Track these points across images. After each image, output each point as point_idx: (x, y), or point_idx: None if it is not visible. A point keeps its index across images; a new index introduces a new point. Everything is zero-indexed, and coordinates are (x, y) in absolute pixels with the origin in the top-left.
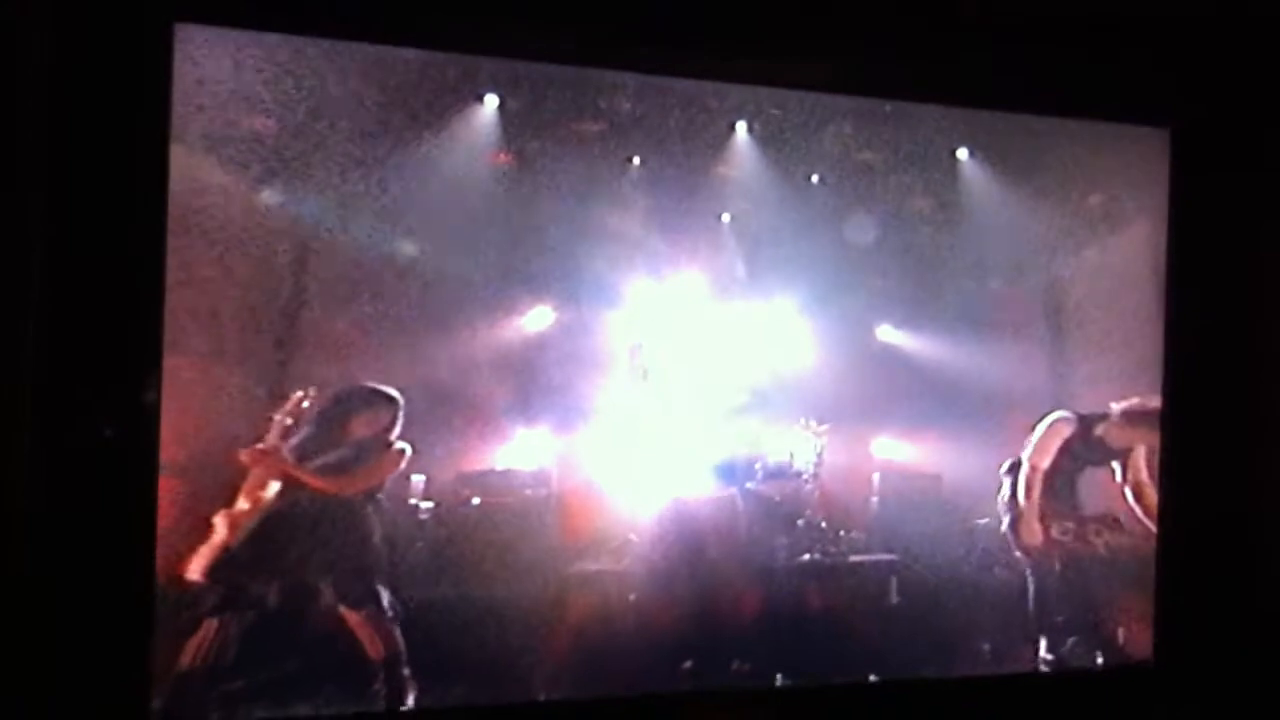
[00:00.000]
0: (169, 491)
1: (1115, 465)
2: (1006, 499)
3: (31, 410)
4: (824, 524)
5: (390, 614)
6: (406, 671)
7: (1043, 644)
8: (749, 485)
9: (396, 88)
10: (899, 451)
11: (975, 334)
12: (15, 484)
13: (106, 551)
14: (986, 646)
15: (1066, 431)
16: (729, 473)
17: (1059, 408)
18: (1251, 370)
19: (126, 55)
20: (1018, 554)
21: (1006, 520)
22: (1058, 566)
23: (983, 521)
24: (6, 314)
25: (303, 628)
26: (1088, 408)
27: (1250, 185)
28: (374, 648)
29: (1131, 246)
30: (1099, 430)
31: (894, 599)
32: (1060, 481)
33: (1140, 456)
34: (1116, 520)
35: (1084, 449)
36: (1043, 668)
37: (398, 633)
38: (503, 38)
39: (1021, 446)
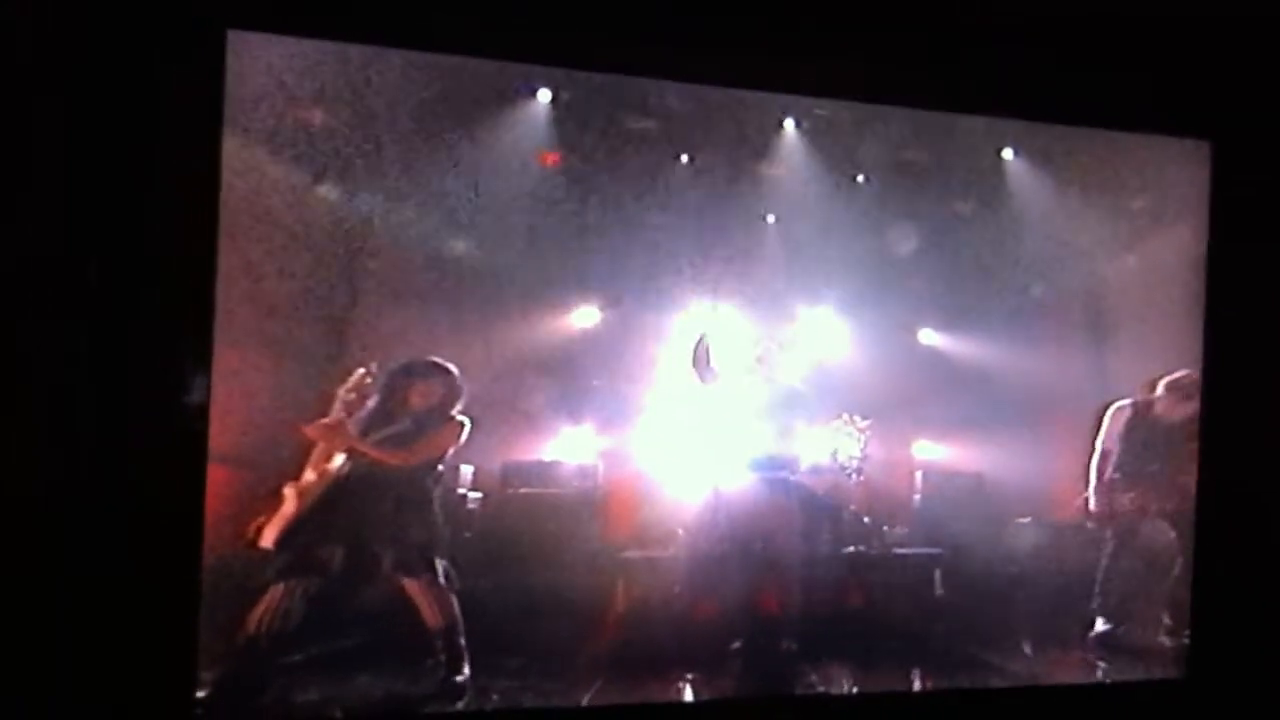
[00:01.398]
0: (228, 474)
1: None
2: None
3: (81, 405)
4: (867, 519)
5: (447, 583)
6: (463, 641)
7: (1099, 623)
8: (792, 479)
9: (449, 83)
10: (940, 450)
11: (1016, 335)
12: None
13: (159, 539)
14: (1029, 639)
15: (1127, 415)
16: (773, 466)
17: (1098, 408)
18: None
19: (180, 60)
20: (1095, 527)
21: (1090, 502)
22: (1133, 540)
23: (1024, 520)
24: (61, 315)
25: (363, 596)
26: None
27: None
28: (432, 616)
29: (1172, 250)
30: (1157, 408)
31: (939, 591)
32: (1128, 459)
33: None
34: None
35: (1144, 427)
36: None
37: (455, 602)
38: (547, 46)
39: (1061, 446)
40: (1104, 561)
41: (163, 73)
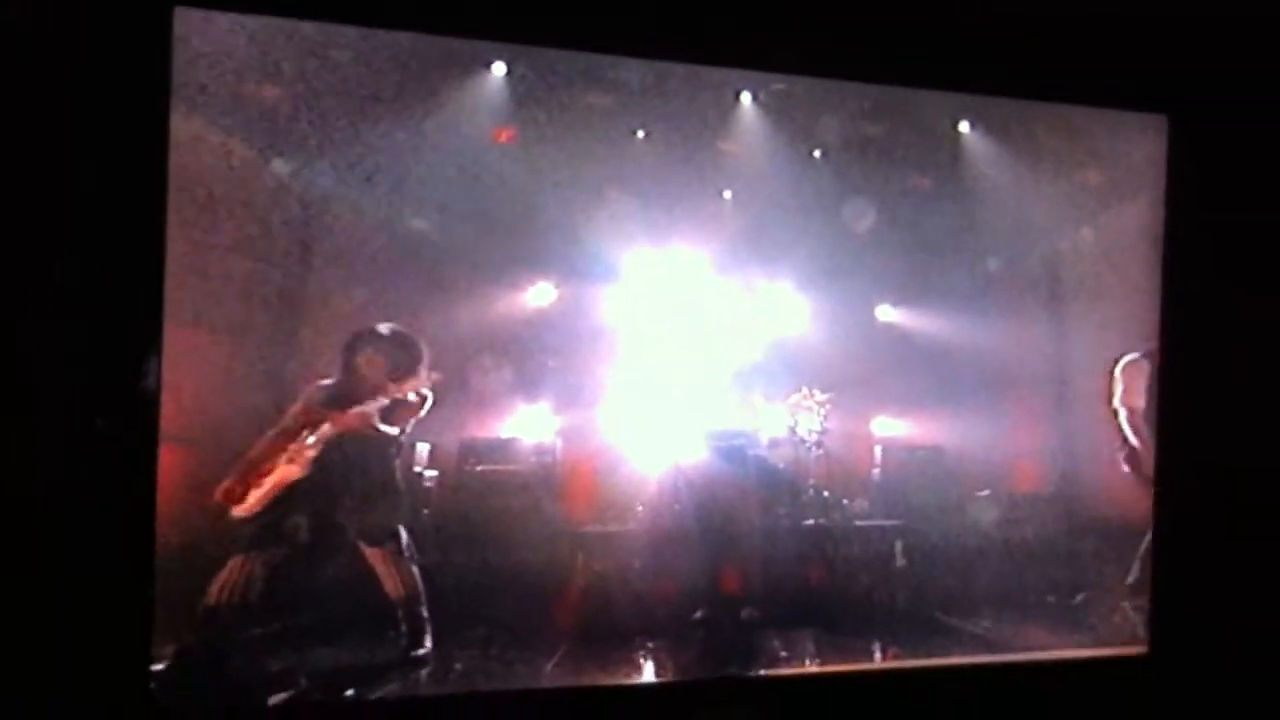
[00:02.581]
0: (179, 453)
1: None
2: (1121, 445)
3: (33, 392)
4: (827, 493)
5: (409, 554)
6: (425, 612)
7: None
8: (752, 451)
9: (402, 58)
10: (900, 424)
11: (974, 310)
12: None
13: (113, 525)
14: (990, 607)
15: (1144, 367)
16: (732, 440)
17: (1057, 381)
18: (1247, 351)
19: (126, 37)
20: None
21: (1126, 465)
22: None
23: (984, 493)
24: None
25: (326, 568)
26: (1087, 380)
27: (1244, 169)
28: (394, 588)
29: (1129, 224)
30: None
31: (899, 561)
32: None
33: None
34: None
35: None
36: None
37: (417, 573)
38: (500, 24)
39: (1019, 420)
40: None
41: (109, 50)
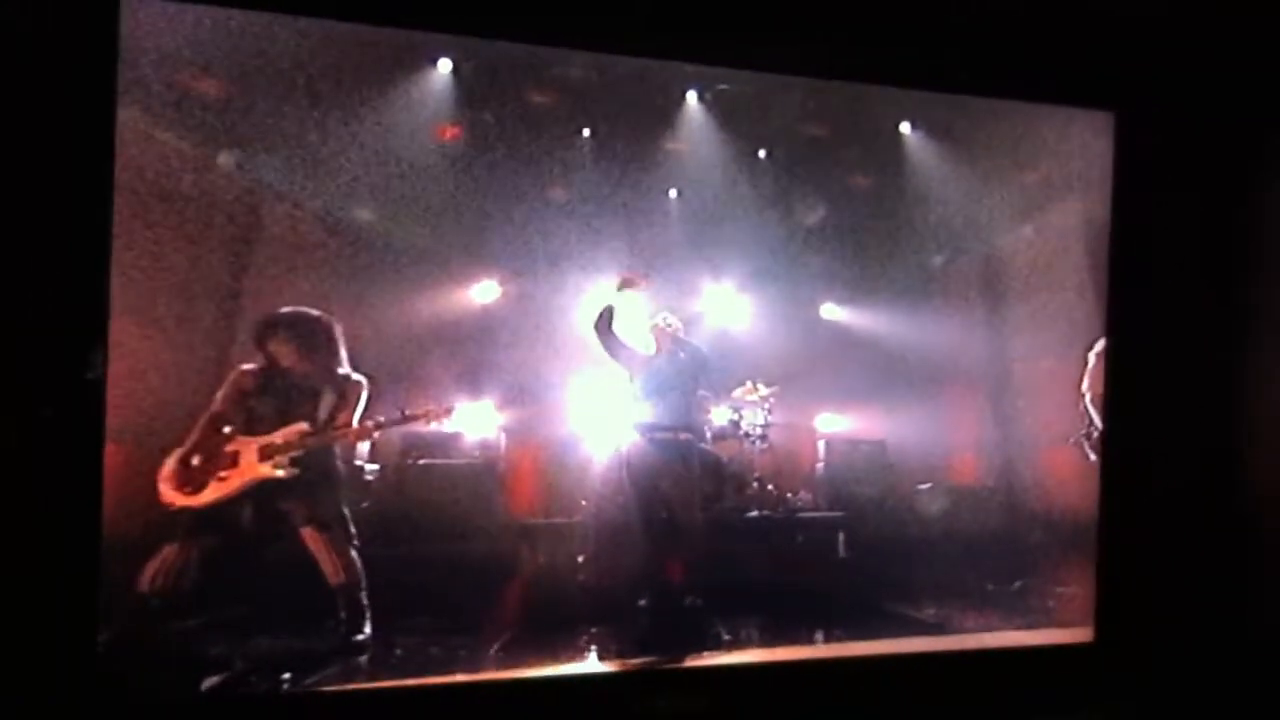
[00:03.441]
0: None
1: None
2: (1089, 431)
3: None
4: (772, 487)
5: (350, 539)
6: (365, 599)
7: None
8: (697, 444)
9: (349, 50)
10: (844, 419)
11: (917, 307)
12: None
13: (60, 510)
14: (928, 595)
15: None
16: (676, 432)
17: (999, 374)
18: (1191, 341)
19: (73, 28)
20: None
21: (1091, 451)
22: None
23: (925, 486)
24: None
25: (266, 554)
26: (1028, 374)
27: (1188, 164)
28: (334, 574)
29: (1068, 221)
30: None
31: (842, 552)
32: None
33: None
34: None
35: None
36: None
37: (357, 559)
38: (451, 15)
39: (961, 415)
40: None
41: (56, 41)
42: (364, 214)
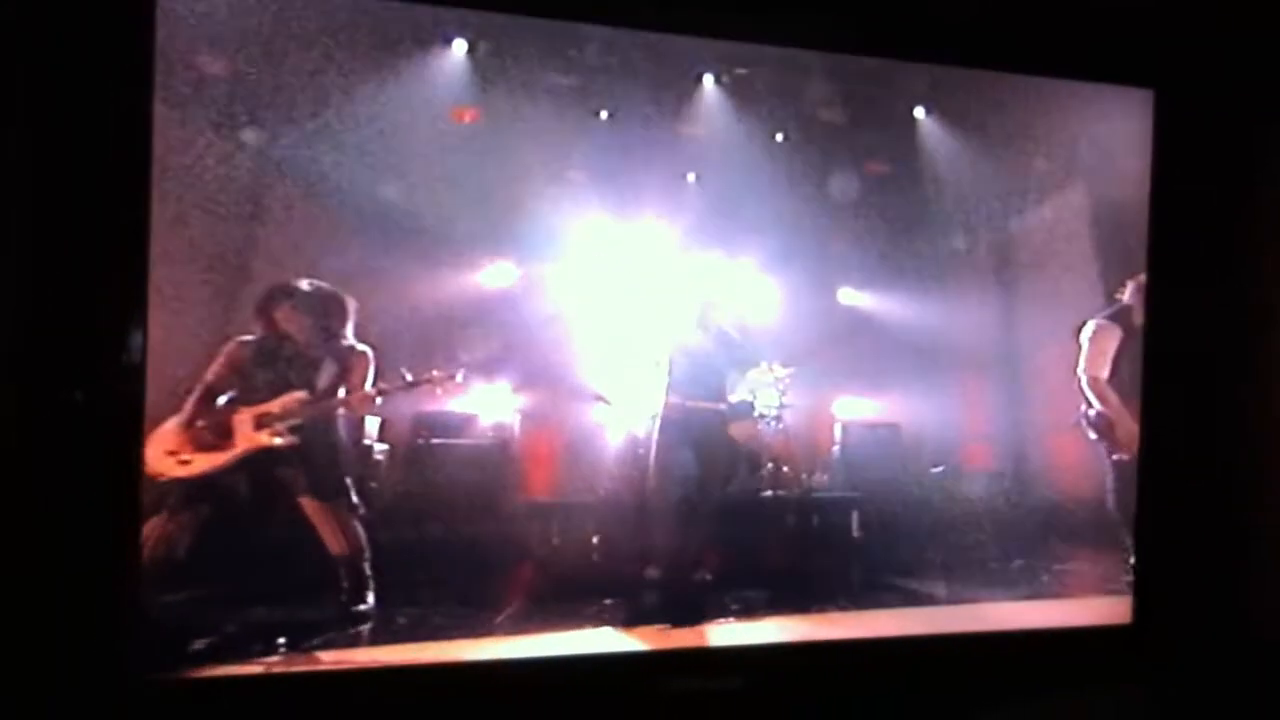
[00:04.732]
0: None
1: None
2: (1086, 413)
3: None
4: (786, 469)
5: (354, 508)
6: (368, 569)
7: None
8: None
9: (362, 29)
10: (860, 402)
11: (934, 290)
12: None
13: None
14: (944, 579)
15: (1113, 336)
16: (715, 404)
17: (1013, 361)
18: (1231, 326)
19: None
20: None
21: (1091, 430)
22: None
23: (938, 469)
24: None
25: (266, 523)
26: (1040, 361)
27: (1231, 143)
28: (336, 543)
29: (1082, 204)
30: (1136, 320)
31: (855, 533)
32: (1125, 375)
33: None
34: None
35: (1137, 340)
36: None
37: (360, 529)
38: None
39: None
40: (1114, 499)
41: (91, 27)
42: (378, 196)
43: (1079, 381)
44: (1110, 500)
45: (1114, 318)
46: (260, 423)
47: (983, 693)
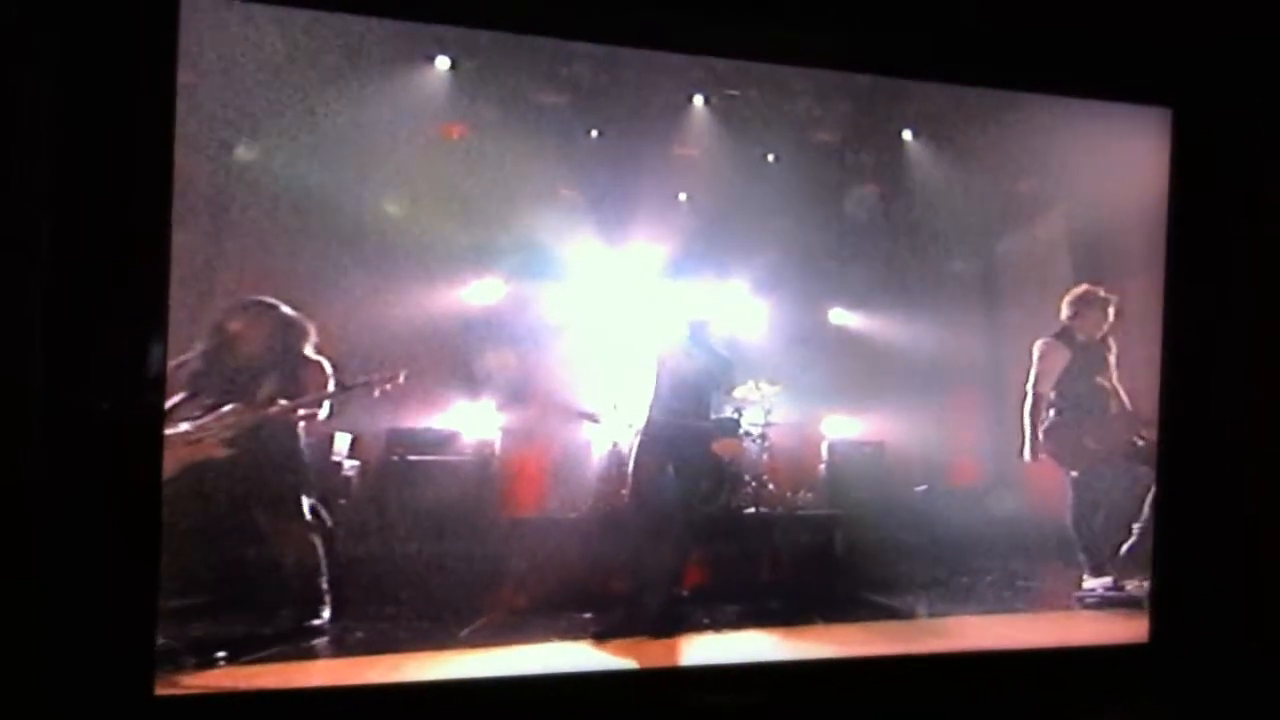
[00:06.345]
0: None
1: (1109, 359)
2: (1032, 429)
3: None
4: (772, 486)
5: (313, 524)
6: (325, 584)
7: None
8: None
9: (347, 45)
10: (845, 421)
11: (920, 311)
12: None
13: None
14: (926, 593)
15: (1053, 348)
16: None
17: (996, 381)
18: (1251, 342)
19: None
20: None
21: (1029, 451)
22: (1103, 476)
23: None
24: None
25: (223, 538)
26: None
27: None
28: (287, 556)
29: (1066, 225)
30: (1079, 336)
31: (839, 550)
32: (1069, 394)
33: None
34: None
35: (1082, 357)
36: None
37: (318, 544)
38: (454, 4)
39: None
40: (1071, 516)
41: (112, 36)
42: (369, 211)
43: (1025, 398)
44: (1067, 517)
45: (1058, 335)
46: (194, 436)
47: (998, 712)
